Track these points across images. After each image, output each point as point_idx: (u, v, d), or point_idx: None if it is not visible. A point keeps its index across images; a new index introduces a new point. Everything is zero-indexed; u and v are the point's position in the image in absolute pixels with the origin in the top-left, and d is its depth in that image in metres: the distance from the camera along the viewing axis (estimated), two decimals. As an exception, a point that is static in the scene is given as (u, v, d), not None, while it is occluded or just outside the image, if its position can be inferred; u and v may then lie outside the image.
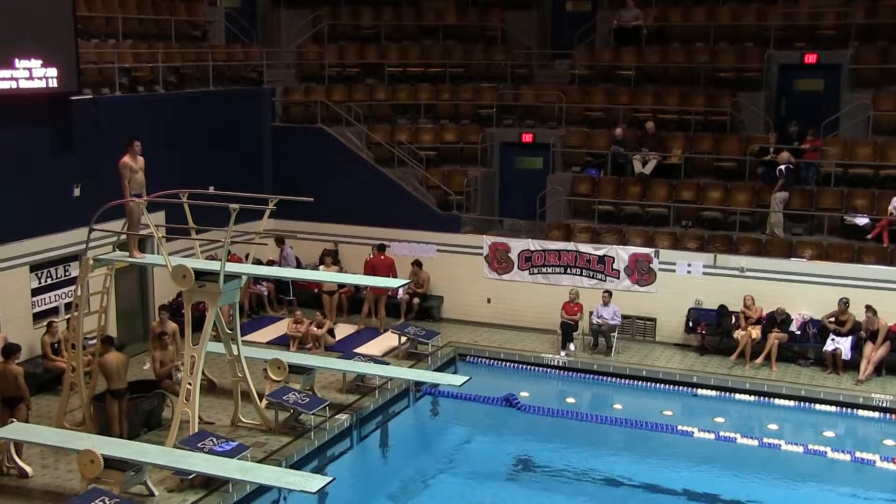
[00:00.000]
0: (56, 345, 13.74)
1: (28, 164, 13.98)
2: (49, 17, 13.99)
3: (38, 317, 14.23)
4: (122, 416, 12.06)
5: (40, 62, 13.81)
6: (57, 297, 14.63)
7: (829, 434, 13.71)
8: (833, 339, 15.08)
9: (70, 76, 14.27)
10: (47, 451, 11.71)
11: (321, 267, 17.64)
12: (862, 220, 16.11)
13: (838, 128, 17.74)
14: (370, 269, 17.44)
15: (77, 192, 14.71)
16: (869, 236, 15.98)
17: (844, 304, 15.05)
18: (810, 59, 18.54)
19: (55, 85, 14.07)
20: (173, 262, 11.89)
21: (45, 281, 14.47)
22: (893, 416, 14.04)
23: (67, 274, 14.66)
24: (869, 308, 14.79)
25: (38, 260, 14.24)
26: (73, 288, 13.33)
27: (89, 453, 10.42)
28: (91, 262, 12.28)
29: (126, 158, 12.30)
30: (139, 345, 15.25)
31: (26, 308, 14.05)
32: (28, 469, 11.30)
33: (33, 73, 13.76)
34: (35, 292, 14.28)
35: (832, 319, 15.13)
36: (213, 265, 12.22)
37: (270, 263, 18.04)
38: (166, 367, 13.04)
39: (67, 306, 14.03)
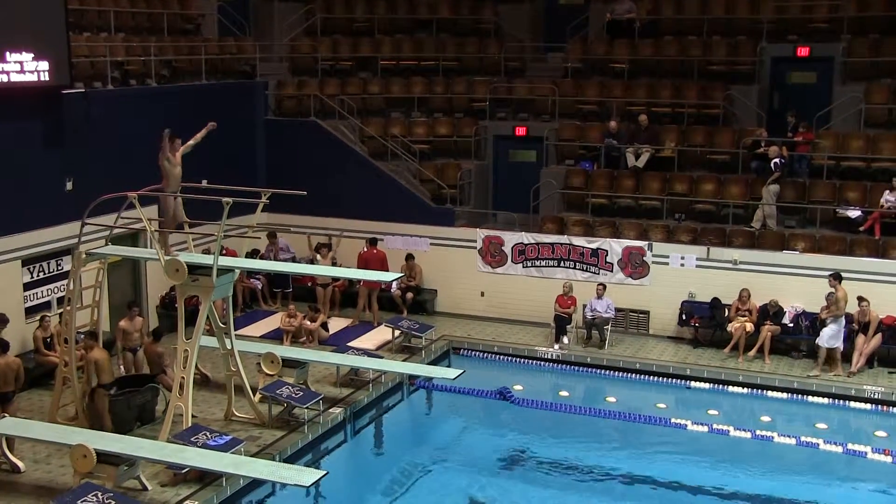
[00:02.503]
0: (48, 339, 13.71)
1: (20, 158, 13.93)
2: (40, 11, 13.94)
3: (30, 311, 14.18)
4: (109, 410, 12.06)
5: (31, 55, 13.76)
6: (49, 291, 14.59)
7: (822, 426, 13.77)
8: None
9: (62, 70, 14.22)
10: (39, 445, 11.68)
11: (318, 256, 17.60)
12: (854, 213, 16.16)
13: (830, 121, 17.77)
14: (363, 262, 17.43)
15: (69, 185, 14.66)
16: (861, 229, 16.03)
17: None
18: (803, 52, 18.57)
19: (47, 78, 14.03)
20: (166, 256, 11.85)
21: (38, 275, 14.43)
22: (885, 407, 14.10)
23: (60, 268, 14.62)
24: (862, 299, 14.84)
25: (30, 254, 14.20)
26: (65, 282, 13.30)
27: (82, 448, 10.40)
28: (84, 256, 12.26)
29: (167, 153, 12.12)
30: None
31: (18, 303, 14.00)
32: (20, 464, 11.28)
33: (24, 67, 13.72)
34: (27, 287, 14.25)
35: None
36: (207, 259, 12.19)
37: (263, 258, 18.03)
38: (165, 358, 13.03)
39: (60, 301, 14.01)
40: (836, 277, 14.73)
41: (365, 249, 17.67)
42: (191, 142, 12.62)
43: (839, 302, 14.54)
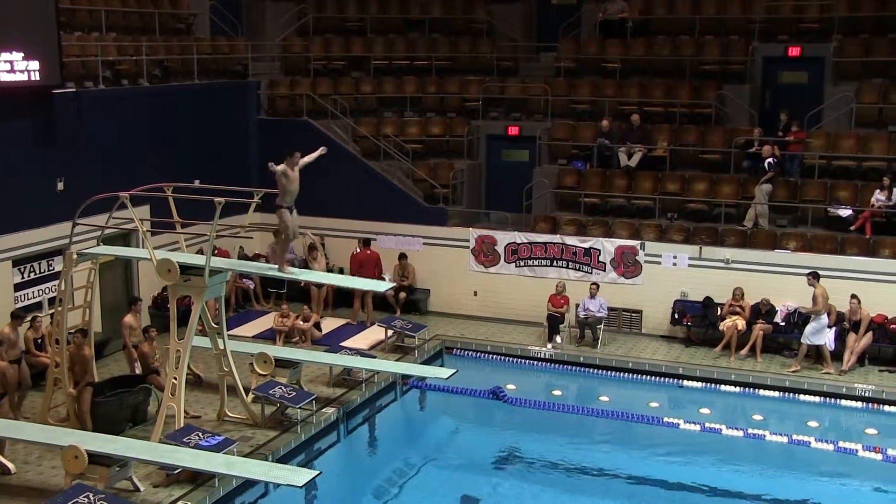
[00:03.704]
0: (39, 340, 13.63)
1: (10, 158, 13.86)
2: (31, 10, 13.88)
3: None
4: (93, 410, 12.08)
5: (22, 55, 13.70)
6: (40, 292, 14.54)
7: (813, 424, 13.82)
8: (817, 331, 15.20)
9: (52, 69, 14.15)
10: (30, 447, 11.63)
11: (312, 254, 17.54)
12: (845, 212, 16.22)
13: (822, 120, 17.84)
14: (357, 263, 17.42)
15: (60, 186, 14.62)
16: (852, 228, 16.09)
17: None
18: (794, 51, 18.64)
19: (37, 78, 13.96)
20: (158, 256, 11.82)
21: (29, 276, 14.37)
22: (875, 405, 14.16)
23: (51, 269, 14.56)
24: (854, 297, 14.88)
25: (21, 255, 14.13)
26: (56, 283, 13.26)
27: (73, 449, 10.36)
28: (75, 256, 12.22)
29: (283, 166, 11.87)
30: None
31: (9, 303, 13.91)
32: (10, 465, 11.22)
33: (15, 66, 13.65)
34: (18, 287, 14.17)
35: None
36: (199, 259, 12.17)
37: (257, 257, 18.00)
38: (153, 361, 12.99)
39: (51, 301, 13.95)
40: (814, 276, 14.82)
41: (358, 250, 17.65)
42: (307, 159, 12.27)
43: (818, 299, 14.65)
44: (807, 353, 15.24)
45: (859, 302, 14.85)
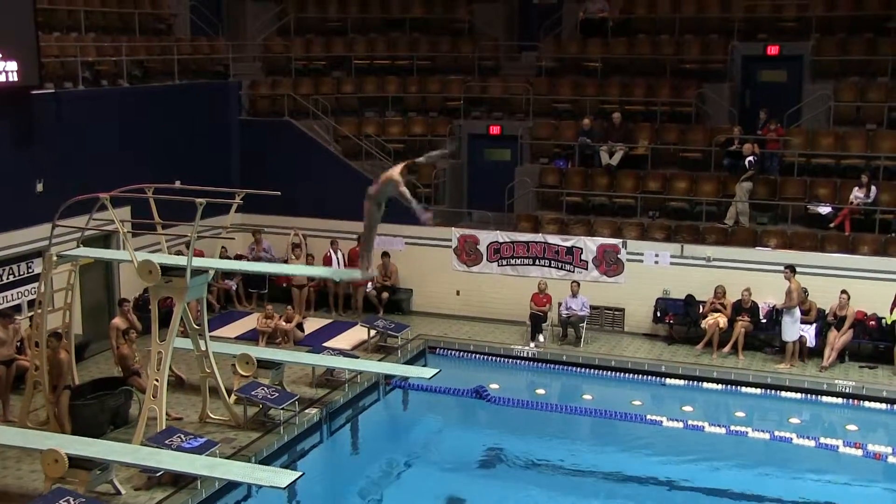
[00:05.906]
0: (19, 343, 13.51)
1: (-12, 159, 13.76)
2: (8, 10, 13.75)
3: None
4: (72, 412, 12.01)
5: (-1, 56, 13.59)
6: (19, 294, 14.41)
7: (795, 420, 13.92)
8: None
9: (31, 70, 14.04)
10: (9, 451, 11.51)
11: (292, 256, 17.50)
12: (824, 209, 16.35)
13: (800, 118, 17.98)
14: (346, 259, 17.44)
15: (40, 187, 14.50)
16: (831, 225, 16.22)
17: (804, 292, 15.25)
18: (773, 50, 18.77)
19: (15, 79, 13.84)
20: (139, 257, 11.74)
21: (7, 278, 14.25)
22: (856, 401, 14.28)
23: (30, 271, 14.44)
24: (844, 292, 14.94)
25: (-1, 257, 14.03)
26: (36, 285, 13.15)
27: (53, 452, 10.26)
28: (55, 258, 12.12)
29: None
30: (106, 342, 15.02)
31: (-12, 306, 13.83)
32: (-9, 470, 11.14)
33: (-8, 68, 13.54)
34: (-3, 290, 14.08)
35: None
36: (180, 260, 12.10)
37: (238, 258, 17.93)
38: (133, 363, 12.91)
39: (30, 304, 13.84)
40: (791, 270, 14.94)
41: (330, 251, 17.60)
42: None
43: (791, 294, 14.75)
44: (782, 348, 15.34)
45: (849, 298, 14.91)
